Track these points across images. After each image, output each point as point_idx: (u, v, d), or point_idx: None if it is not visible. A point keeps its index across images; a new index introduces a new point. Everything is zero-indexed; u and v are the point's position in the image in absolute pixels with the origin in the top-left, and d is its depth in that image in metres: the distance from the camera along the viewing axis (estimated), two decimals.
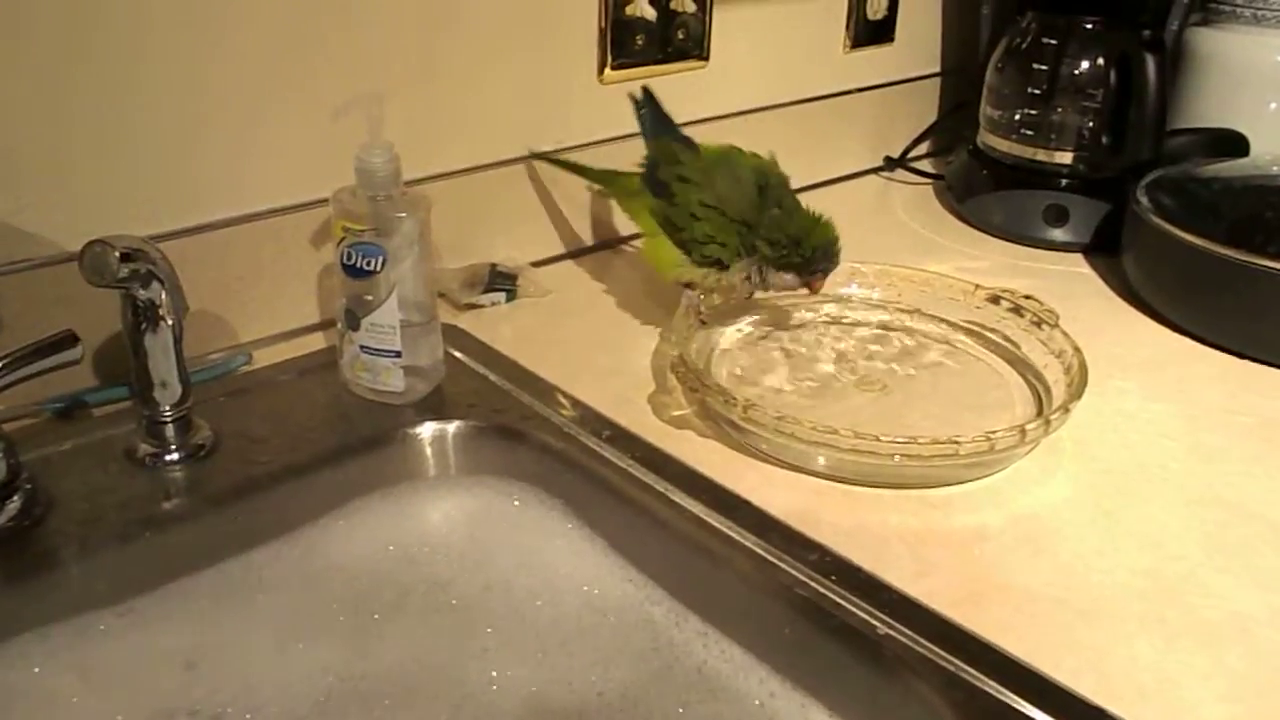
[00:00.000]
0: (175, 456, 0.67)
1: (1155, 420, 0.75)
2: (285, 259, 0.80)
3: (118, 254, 0.60)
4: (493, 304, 0.88)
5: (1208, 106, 1.07)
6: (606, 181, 0.88)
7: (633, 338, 0.83)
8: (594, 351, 0.82)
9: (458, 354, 0.79)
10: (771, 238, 0.75)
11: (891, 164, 1.22)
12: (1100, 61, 1.02)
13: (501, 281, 0.88)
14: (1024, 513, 0.65)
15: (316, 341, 0.81)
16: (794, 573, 0.59)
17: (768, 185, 0.77)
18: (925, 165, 1.23)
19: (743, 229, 0.76)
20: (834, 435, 0.63)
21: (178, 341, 0.65)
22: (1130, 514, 0.65)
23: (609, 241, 1.00)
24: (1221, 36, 1.07)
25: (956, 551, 0.61)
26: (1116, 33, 1.01)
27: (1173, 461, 0.70)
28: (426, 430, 0.71)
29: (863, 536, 0.62)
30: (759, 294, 0.80)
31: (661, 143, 0.82)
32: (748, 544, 0.61)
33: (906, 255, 0.98)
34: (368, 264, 0.70)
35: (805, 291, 0.78)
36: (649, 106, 0.84)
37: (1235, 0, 1.06)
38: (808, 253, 0.75)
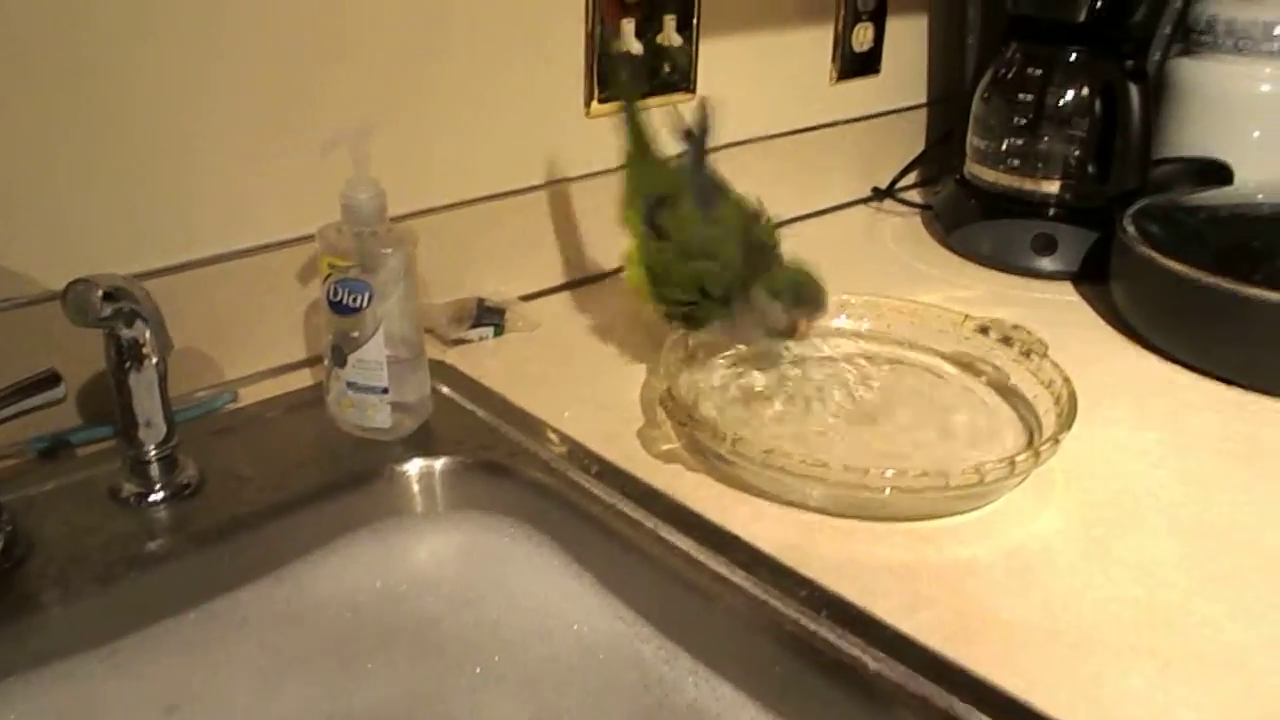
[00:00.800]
0: (160, 496, 0.66)
1: (1146, 450, 0.75)
2: (271, 295, 0.80)
3: (101, 293, 0.59)
4: (481, 339, 0.87)
5: (1191, 136, 1.08)
6: (637, 153, 0.83)
7: (622, 371, 0.83)
8: (583, 385, 0.81)
9: (445, 389, 0.79)
10: (765, 276, 0.74)
11: (880, 195, 1.23)
12: (1085, 91, 1.03)
13: (489, 316, 0.88)
14: (1015, 545, 0.64)
15: (303, 378, 0.81)
16: (784, 609, 0.58)
17: (754, 247, 0.75)
18: (913, 195, 1.24)
19: (720, 302, 0.74)
20: (823, 469, 0.62)
21: (162, 380, 0.64)
22: (1121, 544, 0.64)
23: (598, 274, 0.99)
24: (1204, 66, 1.08)
25: (948, 585, 0.60)
26: (1100, 63, 1.02)
27: (1163, 491, 0.70)
28: (414, 467, 0.71)
29: (853, 570, 0.61)
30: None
31: (680, 183, 0.79)
32: (737, 580, 0.60)
33: (895, 286, 0.98)
34: (354, 300, 0.69)
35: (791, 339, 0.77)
36: (700, 138, 0.80)
37: (1216, 30, 1.07)
38: (801, 294, 0.74)
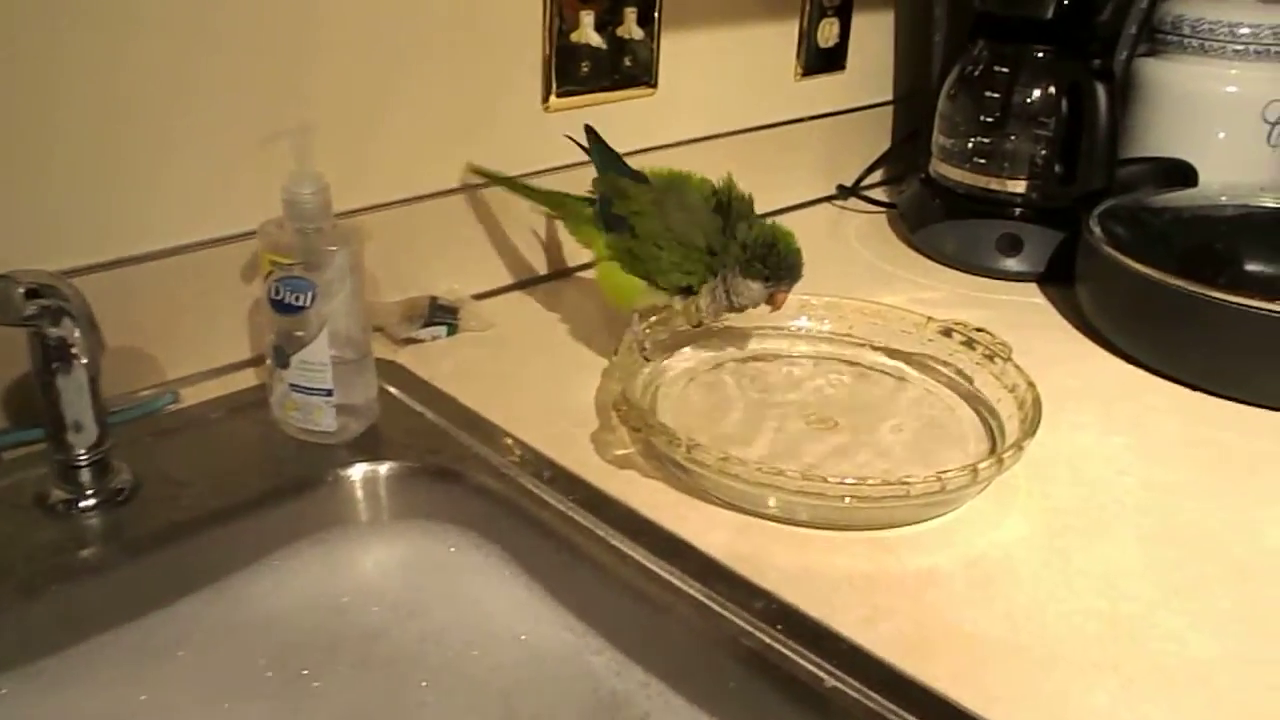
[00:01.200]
0: (91, 502, 0.63)
1: (1110, 455, 0.74)
2: (215, 293, 0.77)
3: (23, 290, 0.56)
4: (433, 338, 0.85)
5: (1157, 136, 1.07)
6: (555, 204, 0.86)
7: (578, 372, 0.81)
8: (538, 387, 0.79)
9: (395, 391, 0.77)
10: (741, 246, 0.74)
11: (844, 193, 1.21)
12: (1051, 90, 1.02)
13: (442, 315, 0.85)
14: (977, 554, 0.63)
15: (248, 378, 0.78)
16: (739, 621, 0.56)
17: (729, 203, 0.75)
18: (879, 193, 1.22)
19: (706, 255, 0.74)
20: (779, 477, 0.61)
21: (93, 381, 0.61)
22: (1085, 554, 0.63)
23: (556, 272, 0.97)
24: (1169, 67, 1.07)
25: (908, 596, 0.59)
26: (1067, 62, 1.01)
27: (1128, 497, 0.69)
28: (358, 472, 0.68)
29: (811, 581, 0.59)
30: (717, 321, 0.79)
31: (609, 178, 0.80)
32: (691, 591, 0.58)
33: (859, 285, 0.97)
34: (296, 299, 0.67)
35: (768, 309, 0.77)
36: (595, 144, 0.82)
37: (1182, 30, 1.06)
38: (777, 260, 0.73)
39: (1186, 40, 1.06)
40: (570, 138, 0.84)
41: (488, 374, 0.81)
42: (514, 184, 0.87)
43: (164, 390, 0.75)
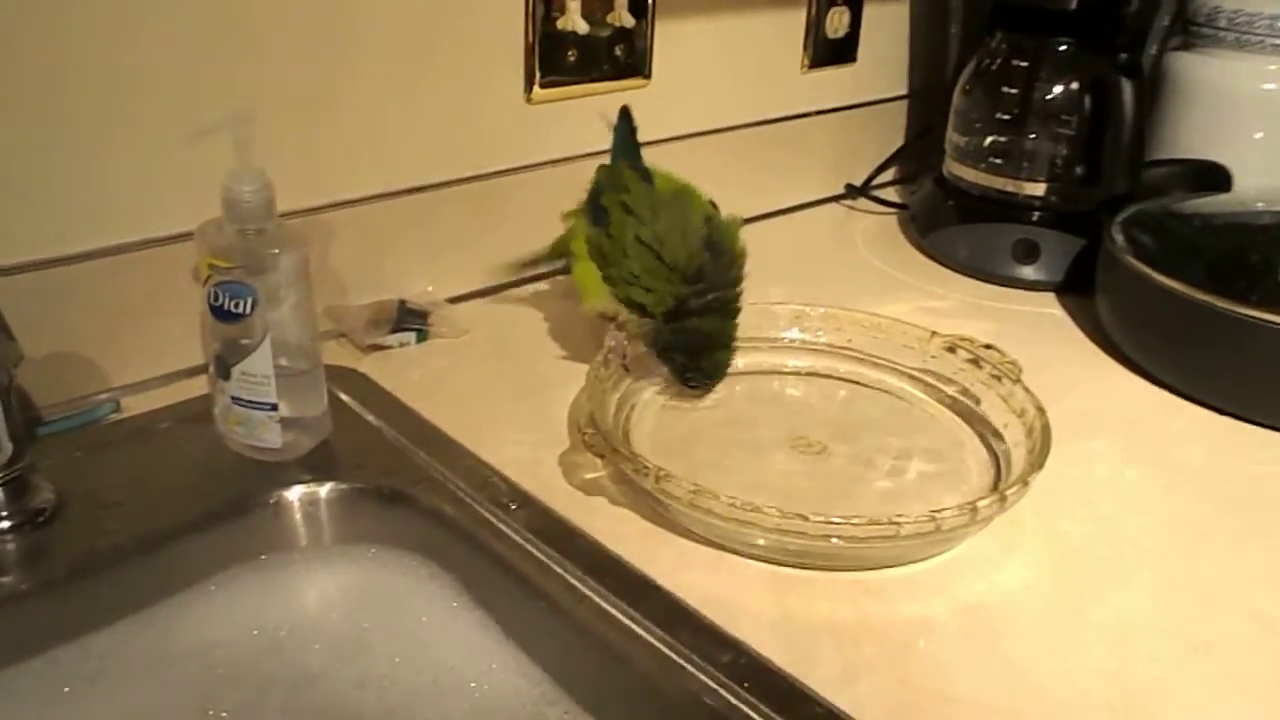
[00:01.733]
0: (4, 525, 0.58)
1: (1129, 488, 0.67)
2: (163, 295, 0.71)
3: None
4: (401, 345, 0.79)
5: (1188, 136, 1.00)
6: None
7: (556, 385, 0.75)
8: (509, 401, 0.73)
9: (353, 404, 0.71)
10: (685, 329, 0.68)
11: (853, 192, 1.14)
12: (1074, 86, 0.95)
13: (411, 320, 0.80)
14: (974, 601, 0.56)
15: (200, 386, 0.73)
16: (703, 677, 0.50)
17: (719, 248, 0.68)
18: (890, 193, 1.16)
19: (674, 280, 0.67)
20: (756, 514, 0.55)
21: (5, 393, 0.56)
22: (1097, 604, 0.57)
23: (536, 276, 0.91)
24: (1204, 62, 1.00)
25: (894, 649, 0.53)
26: (1091, 56, 0.94)
27: (1146, 538, 0.62)
28: (301, 494, 0.63)
29: (787, 630, 0.53)
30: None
31: (616, 168, 0.73)
32: (652, 640, 0.53)
33: (863, 292, 0.91)
34: (236, 306, 0.62)
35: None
36: (623, 126, 0.75)
37: (1218, 24, 0.99)
38: (701, 364, 0.69)
39: (1223, 33, 0.99)
40: (604, 117, 0.76)
41: (456, 385, 0.75)
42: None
43: (105, 399, 0.70)
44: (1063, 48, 0.95)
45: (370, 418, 0.70)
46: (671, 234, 0.68)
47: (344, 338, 0.79)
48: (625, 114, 0.75)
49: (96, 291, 0.69)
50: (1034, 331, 0.88)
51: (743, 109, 1.03)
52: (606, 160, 0.75)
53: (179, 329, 0.73)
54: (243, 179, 0.60)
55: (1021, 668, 0.52)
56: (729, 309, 0.69)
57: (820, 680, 0.50)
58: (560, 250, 0.79)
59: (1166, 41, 0.98)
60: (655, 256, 0.68)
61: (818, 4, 1.04)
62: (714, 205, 0.72)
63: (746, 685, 0.50)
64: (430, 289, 0.85)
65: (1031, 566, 0.59)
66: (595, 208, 0.72)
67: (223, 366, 0.64)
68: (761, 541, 0.57)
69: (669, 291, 0.67)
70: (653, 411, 0.72)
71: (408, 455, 0.66)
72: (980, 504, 0.56)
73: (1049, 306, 0.93)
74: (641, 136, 0.92)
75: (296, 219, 0.76)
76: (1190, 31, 1.01)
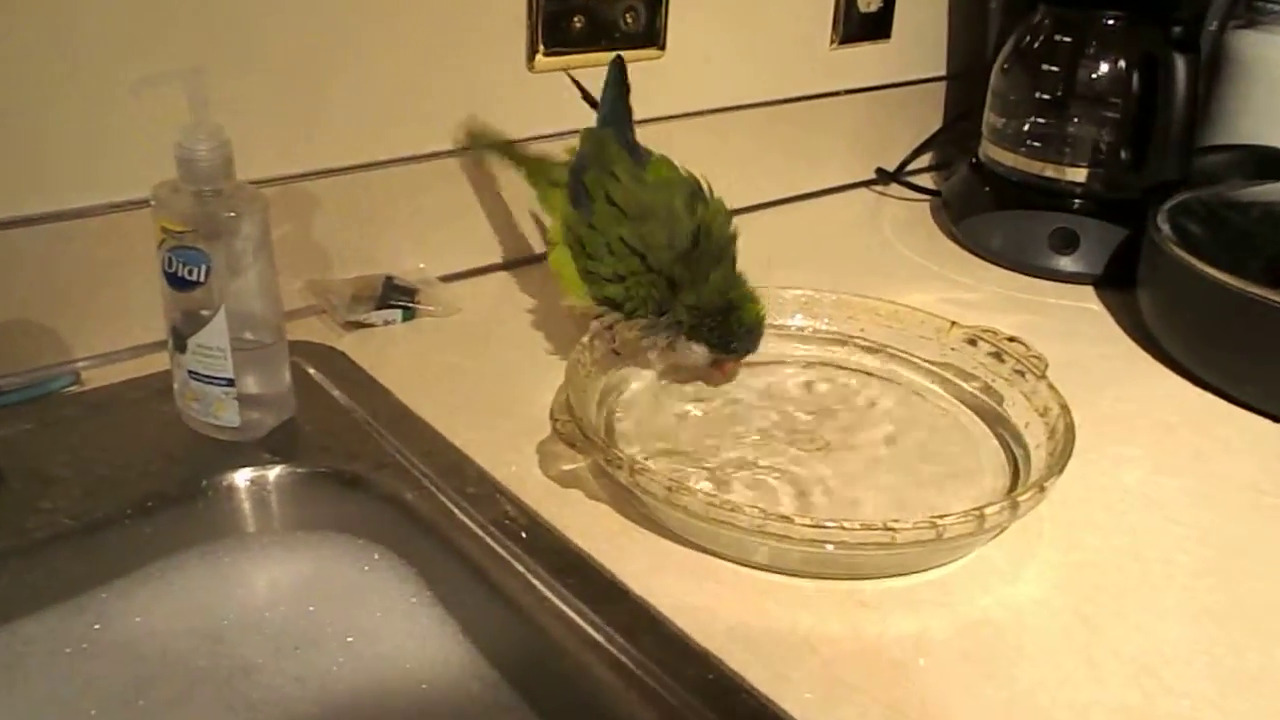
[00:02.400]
0: None
1: (1162, 498, 0.61)
2: (129, 262, 0.67)
3: None
4: (386, 323, 0.75)
5: (1249, 120, 0.92)
6: (532, 170, 0.74)
7: (545, 369, 0.70)
8: (494, 384, 0.69)
9: (324, 382, 0.67)
10: (698, 303, 0.62)
11: (885, 177, 1.08)
12: (1122, 64, 0.88)
13: (397, 297, 0.75)
14: (978, 617, 0.50)
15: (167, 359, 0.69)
16: (663, 693, 0.45)
17: (708, 235, 0.63)
18: (926, 179, 1.09)
19: (661, 284, 0.62)
20: (735, 513, 0.49)
21: None
22: (1119, 627, 0.50)
23: (536, 255, 0.86)
24: (1269, 40, 0.93)
25: (883, 671, 0.47)
26: (1142, 30, 0.87)
27: (1181, 555, 0.56)
28: (248, 477, 0.59)
29: (766, 644, 0.48)
30: (649, 362, 0.68)
31: (604, 140, 0.67)
32: (612, 649, 0.48)
33: (887, 282, 0.85)
34: (190, 273, 0.57)
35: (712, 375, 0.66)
36: (616, 86, 0.68)
37: None
38: (729, 328, 0.62)
39: None
40: (572, 78, 0.72)
41: (439, 367, 0.70)
42: (499, 145, 0.77)
43: (63, 370, 0.66)
44: (1111, 22, 0.89)
45: (340, 397, 0.66)
46: (657, 235, 0.63)
47: (325, 314, 0.74)
48: (618, 67, 0.68)
49: (53, 258, 0.65)
50: (1069, 326, 0.81)
51: (765, 86, 0.97)
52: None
53: (148, 298, 0.68)
54: (197, 136, 0.56)
55: (1028, 698, 0.46)
56: (725, 255, 0.63)
57: (797, 703, 0.45)
58: (480, 140, 0.76)
59: (1229, 17, 0.91)
60: (640, 259, 0.63)
61: None
62: (700, 185, 0.66)
63: (712, 705, 0.44)
64: (422, 266, 0.80)
65: (1046, 581, 0.53)
66: (577, 184, 0.66)
67: (179, 339, 0.60)
68: (741, 544, 0.51)
69: (650, 295, 0.62)
70: (644, 400, 0.66)
71: (374, 438, 0.62)
72: (988, 510, 0.50)
73: (1087, 300, 0.86)
74: (652, 111, 0.88)
75: (276, 186, 0.72)
76: (1255, 8, 0.94)
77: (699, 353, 0.63)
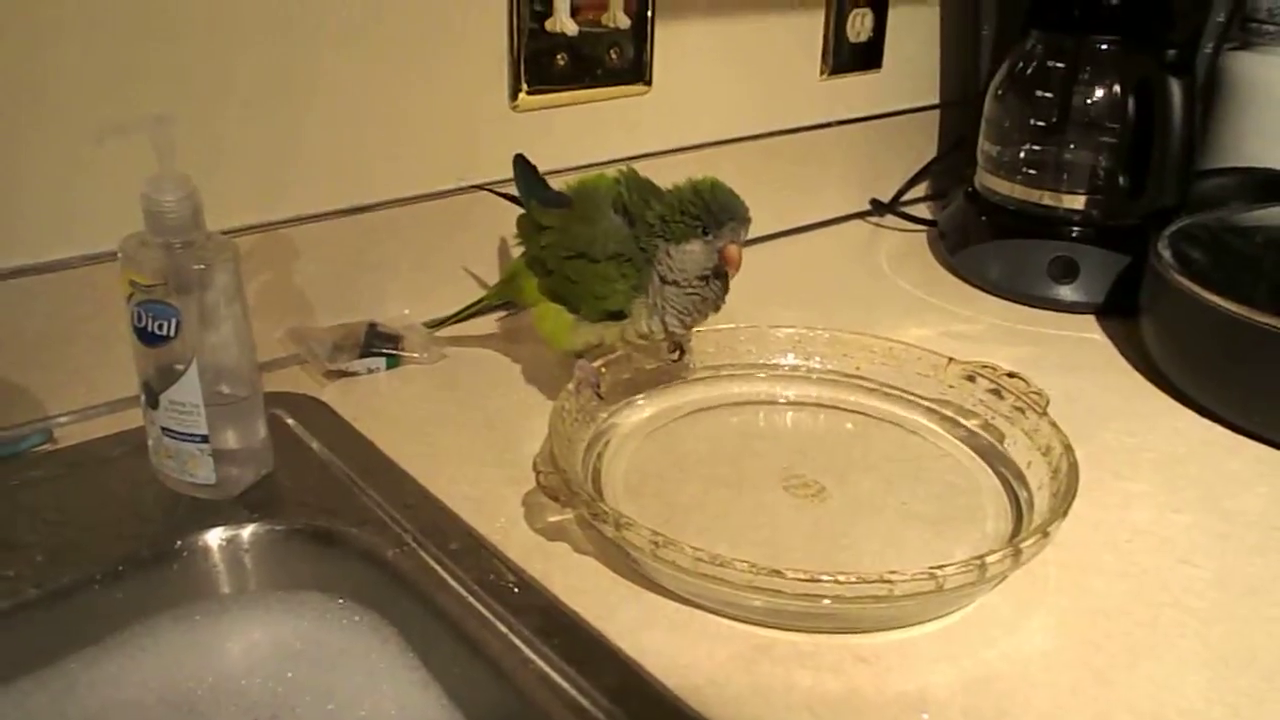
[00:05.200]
0: None
1: (1174, 538, 0.58)
2: (106, 315, 0.66)
3: None
4: (370, 371, 0.73)
5: (1248, 143, 0.91)
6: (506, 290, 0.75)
7: (533, 416, 0.67)
8: (481, 433, 0.67)
9: (304, 434, 0.65)
10: (663, 211, 0.60)
11: (880, 208, 1.06)
12: (1117, 89, 0.86)
13: (381, 344, 0.74)
14: (984, 672, 0.48)
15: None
16: None
17: (629, 193, 0.62)
18: (922, 210, 1.08)
19: (623, 264, 0.61)
20: (724, 568, 0.47)
21: None
22: (1131, 678, 0.48)
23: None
24: (1266, 62, 0.92)
25: None
26: (1136, 55, 0.86)
27: (1195, 599, 0.53)
28: (220, 536, 0.57)
29: (757, 707, 0.46)
30: (688, 333, 0.66)
31: (531, 210, 0.68)
32: (599, 714, 0.45)
33: (884, 315, 0.83)
34: (160, 328, 0.56)
35: (727, 268, 0.61)
36: (521, 172, 0.70)
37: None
38: (704, 204, 0.59)
39: None
40: (491, 190, 0.72)
41: (423, 416, 0.69)
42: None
43: (36, 428, 0.64)
44: (1104, 46, 0.87)
45: (320, 450, 0.64)
46: (586, 236, 0.63)
47: (307, 364, 0.73)
48: (520, 162, 0.70)
49: (22, 312, 0.64)
50: (1071, 358, 0.79)
51: (755, 119, 0.96)
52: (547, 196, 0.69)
53: (125, 352, 0.66)
54: (163, 186, 0.54)
55: None
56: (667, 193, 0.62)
57: None
58: (506, 293, 0.75)
59: (1223, 40, 0.89)
60: (590, 262, 0.62)
61: (838, 5, 0.96)
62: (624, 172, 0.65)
63: None
64: (406, 312, 0.78)
65: (1053, 631, 0.51)
66: (533, 260, 0.67)
67: (151, 395, 0.58)
68: (733, 599, 0.49)
69: (623, 279, 0.61)
70: (630, 447, 0.64)
71: (354, 493, 0.60)
72: (990, 559, 0.47)
73: (1088, 330, 0.84)
74: (639, 148, 0.87)
75: (254, 234, 0.70)
76: (1250, 29, 0.93)
77: (695, 251, 0.60)
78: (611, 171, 0.65)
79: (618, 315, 0.62)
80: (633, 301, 0.62)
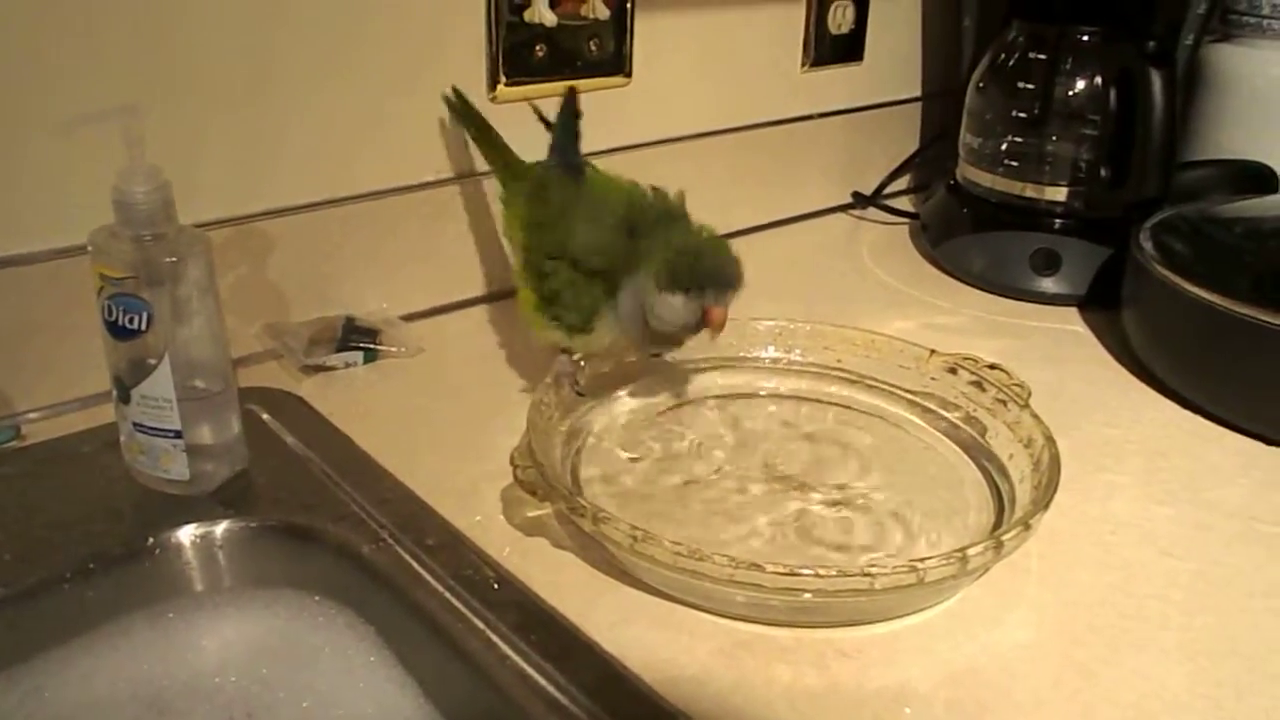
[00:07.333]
0: None
1: (1155, 529, 0.58)
2: (76, 309, 0.64)
3: None
4: (347, 366, 0.72)
5: (1228, 135, 0.91)
6: (498, 167, 0.72)
7: (512, 410, 0.66)
8: (459, 427, 0.66)
9: (280, 430, 0.64)
10: (665, 254, 0.58)
11: (861, 201, 1.06)
12: (1098, 80, 0.86)
13: (358, 338, 0.73)
14: (964, 666, 0.48)
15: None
16: None
17: (643, 211, 0.61)
18: (904, 202, 1.07)
19: (601, 282, 0.60)
20: (703, 562, 0.46)
21: None
22: (1114, 672, 0.48)
23: (502, 292, 0.83)
24: (1245, 54, 0.91)
25: None
26: (1117, 46, 0.86)
27: (1175, 591, 0.53)
28: (192, 533, 0.56)
29: (736, 703, 0.45)
30: (648, 355, 0.65)
31: (543, 167, 0.66)
32: (576, 710, 0.45)
33: (866, 308, 0.83)
34: (130, 321, 0.55)
35: (706, 333, 0.60)
36: (566, 113, 0.66)
37: (1261, 11, 0.90)
38: (699, 266, 0.57)
39: (1267, 22, 0.90)
40: (533, 107, 0.70)
41: (401, 410, 0.68)
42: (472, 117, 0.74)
43: (3, 425, 0.63)
44: (1085, 38, 0.87)
45: (296, 445, 0.63)
46: (583, 236, 0.61)
47: (282, 358, 0.72)
48: (570, 95, 0.67)
49: None
50: (1053, 350, 0.79)
51: (736, 111, 0.95)
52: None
53: (96, 346, 0.66)
54: (134, 178, 0.54)
55: None
56: (679, 215, 0.61)
57: None
58: (461, 110, 0.74)
59: (1204, 31, 0.90)
60: (570, 266, 0.60)
61: None
62: (637, 186, 0.63)
63: None
64: (384, 305, 0.77)
65: (1034, 624, 0.50)
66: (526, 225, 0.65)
67: (123, 389, 0.57)
68: (713, 594, 0.49)
69: (596, 297, 0.60)
70: (610, 442, 0.64)
71: (330, 489, 0.59)
72: (970, 552, 0.47)
73: (1070, 323, 0.84)
74: (619, 140, 0.86)
75: (229, 227, 0.69)
76: (1230, 21, 0.93)
77: (677, 305, 0.57)
78: (627, 181, 0.63)
79: (582, 327, 0.61)
80: (598, 320, 0.60)
